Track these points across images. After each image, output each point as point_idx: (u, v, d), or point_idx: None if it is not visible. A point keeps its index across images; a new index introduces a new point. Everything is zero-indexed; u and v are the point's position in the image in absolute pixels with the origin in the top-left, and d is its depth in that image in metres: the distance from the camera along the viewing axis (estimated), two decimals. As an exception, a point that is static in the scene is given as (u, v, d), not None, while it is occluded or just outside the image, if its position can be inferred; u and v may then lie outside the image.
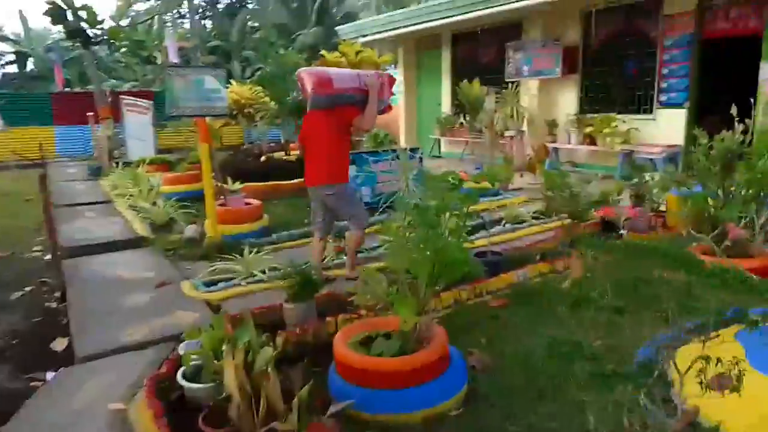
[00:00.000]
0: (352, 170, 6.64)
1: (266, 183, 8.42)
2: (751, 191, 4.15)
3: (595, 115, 9.56)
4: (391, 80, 4.69)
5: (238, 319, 3.65)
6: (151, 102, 12.81)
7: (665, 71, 8.72)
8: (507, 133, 10.58)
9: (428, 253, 2.68)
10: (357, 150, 7.54)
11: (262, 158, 9.34)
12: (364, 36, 12.78)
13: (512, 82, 11.06)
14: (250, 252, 5.20)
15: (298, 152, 5.36)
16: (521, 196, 7.90)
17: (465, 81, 8.48)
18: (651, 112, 8.98)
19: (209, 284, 4.71)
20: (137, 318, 4.09)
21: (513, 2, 9.72)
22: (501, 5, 9.91)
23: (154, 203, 7.46)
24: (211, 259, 5.50)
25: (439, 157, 13.23)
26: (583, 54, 10.02)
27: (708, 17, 8.31)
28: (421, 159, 7.28)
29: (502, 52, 11.41)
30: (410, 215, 2.92)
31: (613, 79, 9.61)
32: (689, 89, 8.46)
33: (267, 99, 10.46)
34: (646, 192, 5.72)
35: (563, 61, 9.96)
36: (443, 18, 11.47)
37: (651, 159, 8.61)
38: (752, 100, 6.21)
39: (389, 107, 4.76)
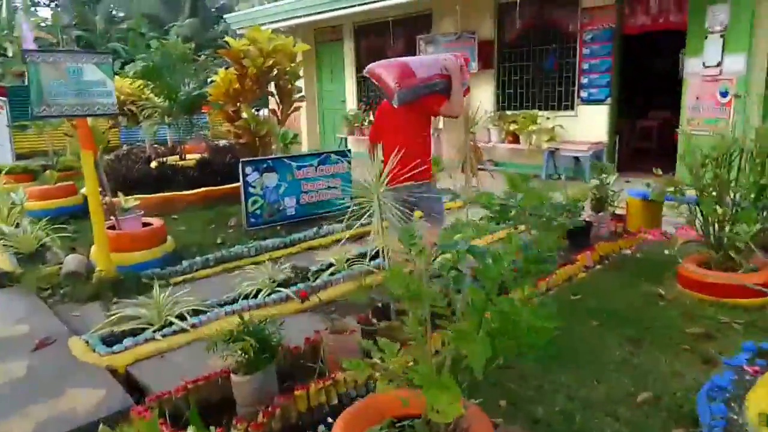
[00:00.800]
0: (273, 179, 5.64)
1: (160, 194, 7.11)
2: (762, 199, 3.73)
3: (516, 111, 9.22)
4: (467, 60, 4.31)
5: (170, 401, 2.61)
6: (5, 99, 10.73)
7: (585, 66, 8.52)
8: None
9: (490, 325, 1.84)
10: (274, 154, 6.50)
11: (153, 164, 7.95)
12: (262, 25, 11.59)
13: (425, 77, 10.47)
14: (160, 288, 4.05)
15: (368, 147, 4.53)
16: (456, 201, 7.27)
17: None
18: (572, 108, 8.76)
19: (110, 341, 3.52)
20: (7, 406, 2.86)
21: None
22: None
23: (17, 225, 5.92)
24: (106, 300, 4.28)
25: (346, 157, 12.37)
26: (499, 48, 9.64)
27: (628, 11, 8.19)
28: (349, 163, 6.40)
29: (412, 44, 10.81)
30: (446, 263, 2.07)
31: (532, 75, 9.30)
32: (611, 85, 8.31)
33: (151, 95, 9.02)
34: (604, 195, 5.27)
35: (479, 55, 9.52)
36: (345, 8, 10.65)
37: (577, 157, 8.39)
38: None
39: (468, 89, 4.39)
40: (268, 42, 6.17)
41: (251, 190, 5.63)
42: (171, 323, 3.71)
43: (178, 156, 8.71)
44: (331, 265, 4.81)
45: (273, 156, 6.07)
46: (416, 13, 10.42)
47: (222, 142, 8.76)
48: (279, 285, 4.33)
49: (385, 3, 9.84)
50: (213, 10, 27.23)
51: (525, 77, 9.36)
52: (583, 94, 8.59)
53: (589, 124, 8.51)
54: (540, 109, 9.03)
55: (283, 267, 4.60)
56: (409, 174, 3.69)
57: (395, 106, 3.94)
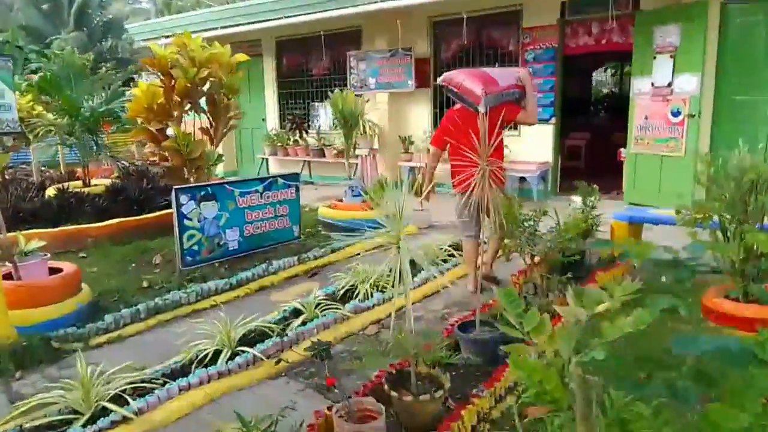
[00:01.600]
0: (212, 208, 4.76)
1: (62, 228, 5.91)
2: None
3: (457, 131, 8.81)
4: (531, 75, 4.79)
5: None
6: None
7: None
8: (358, 152, 9.32)
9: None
10: (209, 180, 5.56)
11: (50, 191, 6.69)
12: (166, 37, 10.49)
13: (357, 96, 9.87)
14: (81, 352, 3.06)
15: (429, 160, 4.99)
16: (408, 224, 6.65)
17: (337, 90, 7.04)
18: (516, 128, 8.47)
19: (21, 444, 2.53)
20: None
21: (345, 7, 8.58)
22: (332, 10, 8.69)
23: None
24: (4, 377, 3.21)
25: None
26: (436, 66, 9.24)
27: (569, 31, 8.08)
28: (297, 188, 5.60)
29: (341, 61, 10.18)
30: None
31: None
32: (555, 105, 8.13)
33: (43, 111, 7.71)
34: (592, 220, 4.87)
35: (415, 73, 9.06)
36: (266, 21, 9.86)
37: (523, 177, 8.09)
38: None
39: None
40: (201, 50, 5.28)
41: (187, 222, 4.69)
42: (105, 409, 2.75)
43: (81, 182, 7.44)
44: (298, 312, 4.00)
45: (212, 182, 5.14)
46: (345, 29, 9.82)
47: (137, 165, 7.60)
48: (241, 343, 3.46)
49: (309, 17, 9.17)
50: (100, 24, 25.15)
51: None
52: (526, 114, 8.33)
53: (533, 144, 8.26)
54: (481, 129, 8.68)
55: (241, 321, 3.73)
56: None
57: (481, 111, 3.88)
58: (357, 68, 9.72)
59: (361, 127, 8.99)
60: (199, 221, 4.77)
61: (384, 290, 4.39)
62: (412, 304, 4.32)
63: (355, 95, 9.12)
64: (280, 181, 5.44)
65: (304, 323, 3.79)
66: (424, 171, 5.10)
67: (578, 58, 7.98)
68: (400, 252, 2.66)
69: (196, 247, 4.78)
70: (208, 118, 5.68)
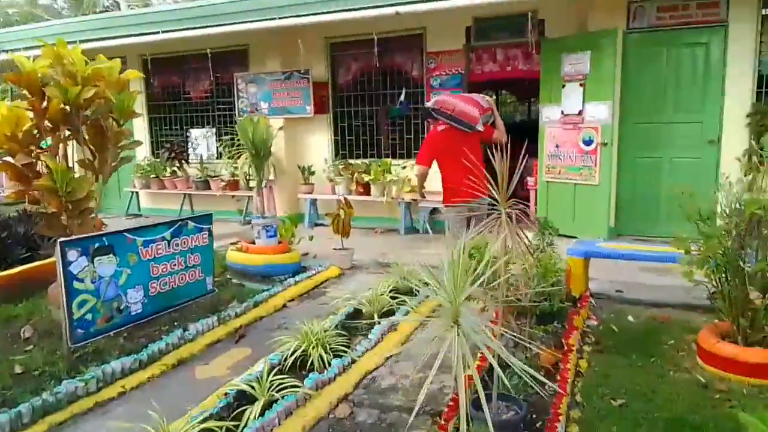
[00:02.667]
0: (110, 264, 3.77)
1: None
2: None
3: (363, 160, 8.30)
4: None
5: None
6: None
7: (433, 109, 7.99)
8: (252, 184, 8.42)
9: None
10: (98, 228, 4.45)
11: None
12: (15, 51, 8.84)
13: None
14: None
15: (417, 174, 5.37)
16: (330, 265, 5.95)
17: (247, 116, 6.12)
18: (424, 156, 8.15)
19: None
20: None
21: (229, 24, 7.77)
22: (214, 27, 7.83)
23: None
24: None
25: (139, 215, 10.05)
26: (336, 90, 8.69)
27: (474, 58, 7.95)
28: (210, 232, 4.68)
29: (225, 82, 9.24)
30: None
31: (377, 120, 8.52)
32: (463, 132, 7.92)
33: None
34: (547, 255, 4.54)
35: (313, 98, 8.42)
36: (132, 36, 8.66)
37: (436, 208, 7.74)
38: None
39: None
40: (83, 64, 4.22)
41: (77, 285, 3.60)
42: None
43: None
44: (245, 395, 3.14)
45: (110, 230, 4.06)
46: (229, 47, 8.91)
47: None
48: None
49: (188, 33, 8.16)
50: None
51: (369, 123, 8.52)
52: (434, 141, 8.05)
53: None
54: (387, 157, 8.26)
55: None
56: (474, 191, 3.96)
57: (480, 130, 4.95)
58: (246, 91, 8.85)
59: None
60: (93, 282, 3.70)
61: (341, 354, 3.67)
62: (374, 368, 3.68)
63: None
64: (191, 224, 4.49)
65: (262, 412, 2.95)
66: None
67: (490, 85, 7.86)
68: (460, 331, 1.99)
69: (89, 316, 3.70)
70: (90, 149, 4.58)
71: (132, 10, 8.97)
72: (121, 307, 3.92)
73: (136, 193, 10.06)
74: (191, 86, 9.73)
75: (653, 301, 4.73)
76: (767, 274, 3.02)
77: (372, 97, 8.42)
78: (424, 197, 6.13)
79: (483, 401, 2.07)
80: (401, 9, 6.69)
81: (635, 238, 6.55)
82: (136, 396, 3.40)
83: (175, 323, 4.35)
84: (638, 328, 4.05)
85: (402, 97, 7.46)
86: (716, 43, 6.46)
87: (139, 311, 4.05)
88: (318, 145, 8.76)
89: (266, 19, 7.45)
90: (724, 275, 3.24)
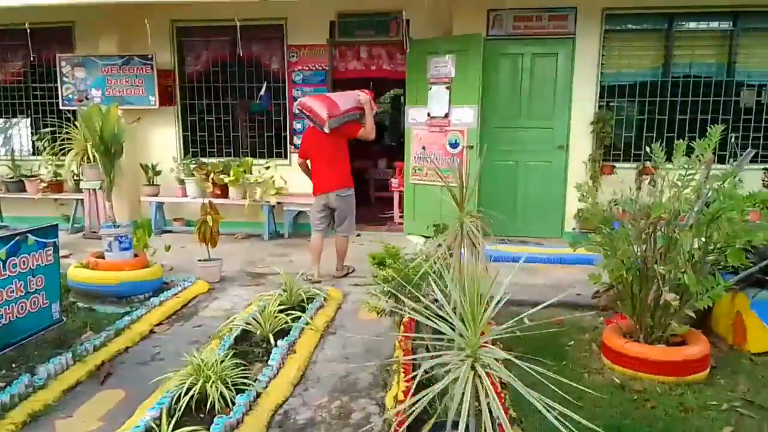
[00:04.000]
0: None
1: None
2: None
3: (219, 159, 7.58)
4: (372, 94, 5.68)
5: None
6: None
7: (297, 110, 7.56)
8: (84, 185, 7.25)
9: None
10: None
11: None
12: None
13: (72, 112, 7.73)
14: None
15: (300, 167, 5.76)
16: (195, 280, 5.27)
17: (94, 105, 5.00)
18: (286, 156, 7.68)
19: None
20: None
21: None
22: None
23: None
24: None
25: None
26: (184, 80, 7.82)
27: (338, 54, 7.67)
28: (56, 247, 3.80)
29: (43, 65, 7.86)
30: None
31: (234, 116, 7.82)
32: (328, 131, 7.60)
33: None
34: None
35: (158, 87, 7.49)
36: None
37: (303, 211, 7.34)
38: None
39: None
40: None
41: None
42: None
43: None
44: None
45: None
46: (48, 24, 7.57)
47: None
48: None
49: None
50: None
51: (224, 118, 7.80)
52: (297, 140, 7.63)
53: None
54: (245, 156, 7.65)
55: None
56: (345, 180, 5.50)
57: (326, 131, 5.26)
58: (73, 76, 7.59)
59: (90, 154, 7.00)
60: None
61: (243, 388, 3.17)
62: (284, 400, 3.25)
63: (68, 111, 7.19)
64: (31, 238, 3.60)
65: (169, 478, 2.39)
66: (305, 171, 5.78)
67: (354, 83, 7.63)
68: (476, 372, 1.71)
69: None
70: None
71: None
72: None
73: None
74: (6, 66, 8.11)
75: (534, 302, 4.87)
76: (676, 273, 3.18)
77: (227, 89, 7.73)
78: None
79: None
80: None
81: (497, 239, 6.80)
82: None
83: (14, 365, 3.48)
84: (539, 331, 4.10)
85: (263, 92, 6.94)
86: (565, 54, 6.96)
87: (-33, 355, 3.13)
88: (164, 141, 7.83)
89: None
90: (633, 277, 3.37)
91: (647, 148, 3.65)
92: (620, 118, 7.01)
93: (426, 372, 2.07)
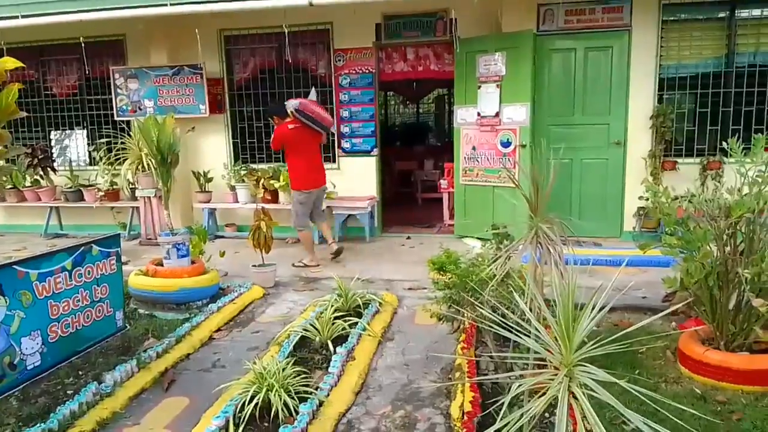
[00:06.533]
0: (-2, 307, 2.93)
1: None
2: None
3: (264, 165, 7.63)
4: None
5: None
6: None
7: (345, 114, 7.56)
8: (139, 193, 7.41)
9: None
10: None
11: None
12: None
13: (127, 122, 7.92)
14: None
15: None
16: (251, 285, 5.28)
17: (151, 116, 5.16)
18: (334, 161, 7.67)
19: None
20: None
21: (105, 9, 6.65)
22: (89, 11, 6.67)
23: None
24: None
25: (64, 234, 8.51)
26: (232, 88, 7.90)
27: (384, 56, 7.62)
28: (119, 256, 3.86)
29: (100, 77, 8.09)
30: None
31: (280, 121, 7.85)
32: (376, 134, 7.55)
33: None
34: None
35: (208, 95, 7.59)
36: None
37: (353, 215, 7.31)
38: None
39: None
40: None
41: (-46, 339, 2.72)
42: None
43: None
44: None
45: None
46: (100, 37, 7.77)
47: None
48: None
49: (48, 19, 6.90)
50: None
51: (272, 124, 7.83)
52: (345, 144, 7.61)
53: (353, 178, 7.56)
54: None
55: None
56: (324, 177, 6.41)
57: (332, 131, 6.87)
58: (126, 87, 7.77)
59: (144, 163, 7.15)
60: (-25, 334, 2.82)
61: (306, 396, 3.12)
62: (347, 409, 3.18)
63: (122, 122, 7.36)
64: (96, 248, 3.66)
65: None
66: None
67: (406, 84, 7.57)
68: (570, 389, 1.59)
69: (-27, 379, 2.82)
70: (-49, 157, 3.57)
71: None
72: (15, 362, 3.05)
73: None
74: (55, 81, 8.38)
75: (600, 306, 4.68)
76: (761, 277, 2.97)
77: (275, 95, 7.76)
78: None
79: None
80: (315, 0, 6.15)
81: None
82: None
83: (80, 372, 3.53)
84: (607, 337, 3.92)
85: (312, 96, 6.90)
86: (621, 47, 6.70)
87: (38, 364, 3.19)
88: (214, 148, 7.93)
89: (155, 5, 6.51)
90: (714, 281, 3.17)
91: (723, 143, 3.43)
92: (681, 111, 6.70)
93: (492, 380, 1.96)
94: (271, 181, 7.15)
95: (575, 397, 1.73)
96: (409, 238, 7.43)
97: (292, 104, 5.99)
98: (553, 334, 1.90)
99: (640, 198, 6.54)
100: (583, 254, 5.63)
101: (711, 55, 6.65)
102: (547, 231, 2.34)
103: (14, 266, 3.10)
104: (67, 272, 3.43)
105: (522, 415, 1.67)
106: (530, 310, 2.09)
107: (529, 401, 2.08)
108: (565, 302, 1.82)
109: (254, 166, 7.68)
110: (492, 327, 2.17)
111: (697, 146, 6.70)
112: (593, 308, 1.90)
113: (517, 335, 1.97)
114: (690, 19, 6.65)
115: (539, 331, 1.90)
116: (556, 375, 1.76)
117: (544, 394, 1.73)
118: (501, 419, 1.67)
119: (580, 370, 1.78)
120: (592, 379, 1.73)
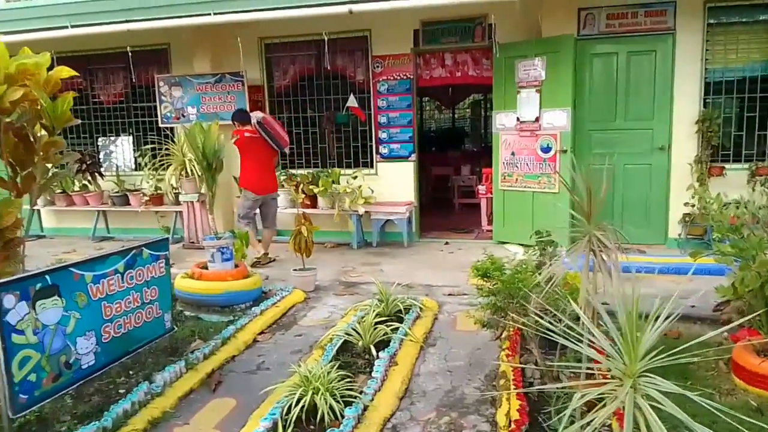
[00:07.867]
0: (55, 309, 3.03)
1: None
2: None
3: (309, 170, 7.72)
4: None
5: None
6: None
7: (383, 120, 7.60)
8: (183, 198, 7.57)
9: None
10: (23, 264, 3.59)
11: None
12: None
13: (171, 129, 8.13)
14: None
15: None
16: (292, 289, 5.35)
17: (196, 123, 5.33)
18: (372, 166, 7.72)
19: None
20: None
21: (150, 19, 6.80)
22: (124, 22, 6.84)
23: None
24: None
25: (43, 236, 8.82)
26: (272, 95, 8.03)
27: (422, 62, 7.64)
28: (167, 260, 3.96)
29: (141, 85, 8.30)
30: None
31: (321, 128, 7.96)
32: (414, 140, 7.57)
33: None
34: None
35: (249, 102, 7.72)
36: (29, 31, 7.48)
37: (391, 220, 7.34)
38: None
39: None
40: (7, 58, 3.40)
41: (17, 339, 2.82)
42: None
43: None
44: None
45: (50, 266, 3.23)
46: (145, 46, 7.98)
47: None
48: None
49: (97, 29, 7.10)
50: None
51: (311, 130, 7.95)
52: (383, 150, 7.64)
53: (391, 183, 7.58)
54: (332, 167, 7.75)
55: None
56: (276, 184, 6.80)
57: (286, 151, 7.22)
58: (170, 95, 7.97)
59: (188, 168, 7.32)
60: (35, 333, 2.93)
61: (350, 400, 3.14)
62: (392, 414, 3.19)
63: (166, 129, 7.53)
64: (146, 251, 3.76)
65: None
66: None
67: (443, 89, 7.58)
68: (637, 397, 1.58)
69: (33, 377, 2.91)
70: (12, 163, 3.72)
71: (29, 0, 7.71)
72: (71, 361, 3.15)
73: (38, 211, 8.79)
74: (102, 89, 8.65)
75: (647, 314, 4.59)
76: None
77: (314, 102, 7.87)
78: None
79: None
80: (354, 7, 6.20)
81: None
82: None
83: (131, 372, 3.63)
84: (657, 347, 3.85)
85: (351, 103, 7.00)
86: (664, 51, 6.58)
87: (92, 363, 3.29)
88: (255, 154, 8.05)
89: (199, 14, 6.66)
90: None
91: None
92: (728, 115, 6.53)
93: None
94: (311, 187, 7.22)
95: (638, 408, 1.71)
96: (447, 243, 7.41)
97: (256, 116, 6.37)
98: (608, 342, 1.88)
99: (686, 204, 6.41)
100: (633, 261, 5.53)
101: (759, 59, 6.47)
102: (601, 238, 2.30)
103: (70, 269, 3.21)
104: (119, 274, 3.53)
105: (583, 426, 1.65)
106: (586, 317, 2.07)
107: (583, 411, 2.06)
108: (629, 311, 1.80)
109: (294, 171, 7.78)
110: (544, 333, 2.15)
111: (745, 151, 6.51)
112: (657, 318, 1.87)
113: (574, 343, 1.95)
114: (736, 22, 6.49)
115: (597, 340, 1.88)
116: (620, 386, 1.73)
117: (603, 405, 1.71)
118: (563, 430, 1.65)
119: (644, 381, 1.76)
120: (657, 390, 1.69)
